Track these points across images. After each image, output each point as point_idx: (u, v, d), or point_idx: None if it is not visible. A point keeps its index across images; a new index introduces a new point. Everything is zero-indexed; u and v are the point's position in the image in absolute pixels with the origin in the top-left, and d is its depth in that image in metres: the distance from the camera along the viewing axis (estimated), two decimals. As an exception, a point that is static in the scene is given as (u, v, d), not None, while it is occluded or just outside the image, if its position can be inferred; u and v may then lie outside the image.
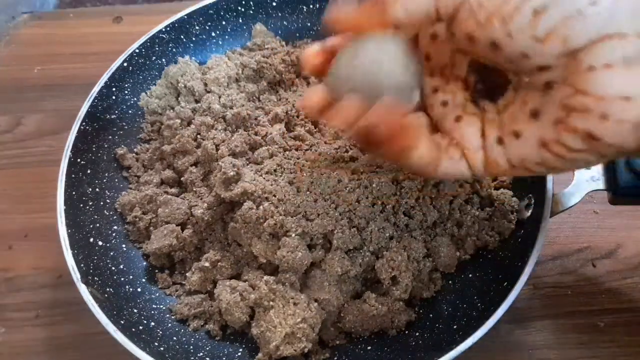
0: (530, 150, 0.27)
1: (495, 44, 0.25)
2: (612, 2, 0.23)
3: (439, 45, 0.32)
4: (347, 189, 0.39)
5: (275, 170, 0.42)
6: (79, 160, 0.45)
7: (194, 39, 0.55)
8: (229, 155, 0.44)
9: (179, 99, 0.51)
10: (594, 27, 0.23)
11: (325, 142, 0.45)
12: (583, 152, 0.25)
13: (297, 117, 0.48)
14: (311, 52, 0.33)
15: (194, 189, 0.45)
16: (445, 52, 0.32)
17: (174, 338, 0.39)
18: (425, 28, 0.32)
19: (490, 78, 0.30)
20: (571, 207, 0.39)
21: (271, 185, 0.40)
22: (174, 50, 0.54)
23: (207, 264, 0.40)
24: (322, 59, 0.32)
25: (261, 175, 0.41)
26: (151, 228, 0.44)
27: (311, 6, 0.56)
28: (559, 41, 0.24)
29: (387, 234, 0.40)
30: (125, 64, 0.50)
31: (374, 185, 0.40)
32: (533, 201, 0.41)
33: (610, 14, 0.23)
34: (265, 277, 0.39)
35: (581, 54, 0.24)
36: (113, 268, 0.42)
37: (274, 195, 0.39)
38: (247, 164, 0.44)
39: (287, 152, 0.44)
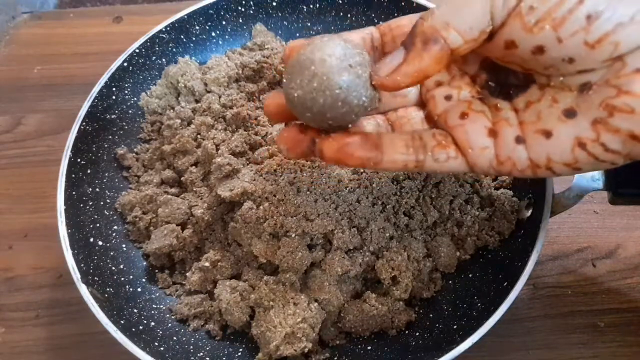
0: (563, 149, 0.27)
1: (541, 48, 0.25)
2: None
3: None
4: (347, 189, 0.39)
5: (275, 171, 0.42)
6: (79, 160, 0.45)
7: (194, 39, 0.55)
8: (228, 154, 0.44)
9: (179, 99, 0.51)
10: None
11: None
12: (618, 154, 0.26)
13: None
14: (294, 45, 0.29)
15: (194, 189, 0.45)
16: None
17: (174, 338, 0.39)
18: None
19: (504, 76, 0.30)
20: (571, 207, 0.39)
21: (271, 185, 0.40)
22: (174, 50, 0.54)
23: (207, 264, 0.40)
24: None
25: (261, 175, 0.41)
26: (151, 228, 0.44)
27: (311, 6, 0.56)
28: (609, 46, 0.24)
29: (388, 234, 0.40)
30: (125, 64, 0.50)
31: (374, 185, 0.40)
32: (533, 201, 0.41)
33: None
34: (265, 277, 0.39)
35: (627, 57, 0.24)
36: (113, 268, 0.42)
37: (274, 195, 0.39)
38: (247, 164, 0.44)
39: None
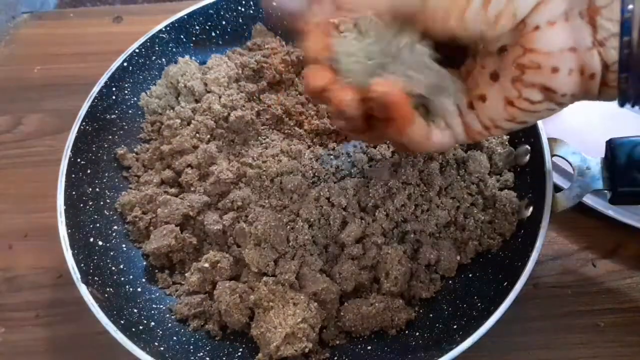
0: (498, 110, 0.29)
1: (453, 36, 0.27)
2: None
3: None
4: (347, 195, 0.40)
5: (273, 176, 0.42)
6: (79, 160, 0.45)
7: (194, 39, 0.54)
8: (227, 159, 0.44)
9: (179, 99, 0.51)
10: None
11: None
12: (544, 102, 0.28)
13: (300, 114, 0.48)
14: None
15: (192, 190, 0.45)
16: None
17: (174, 338, 0.39)
18: None
19: (447, 47, 0.31)
20: (571, 207, 0.39)
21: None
22: (174, 50, 0.54)
23: (206, 265, 0.40)
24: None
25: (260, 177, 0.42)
26: (151, 228, 0.44)
27: (311, 6, 0.56)
28: (508, 19, 0.26)
29: (383, 240, 0.40)
30: (125, 64, 0.50)
31: (374, 185, 0.40)
32: (533, 201, 0.41)
33: None
34: (265, 278, 0.39)
35: (527, 18, 0.26)
36: (113, 268, 0.42)
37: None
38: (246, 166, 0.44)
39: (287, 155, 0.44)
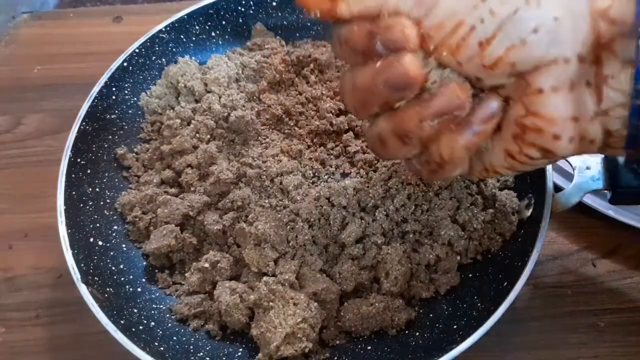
0: (498, 158, 0.29)
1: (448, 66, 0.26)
2: (553, 26, 0.24)
3: None
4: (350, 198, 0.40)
5: (273, 176, 0.42)
6: (79, 160, 0.45)
7: (194, 39, 0.55)
8: (227, 159, 0.44)
9: (179, 99, 0.51)
10: (538, 53, 0.25)
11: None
12: (543, 160, 0.28)
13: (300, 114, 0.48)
14: None
15: (192, 190, 0.45)
16: None
17: (174, 338, 0.39)
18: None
19: None
20: (571, 207, 0.39)
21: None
22: (174, 50, 0.54)
23: (206, 265, 0.40)
24: None
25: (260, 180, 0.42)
26: (151, 228, 0.44)
27: (311, 6, 0.56)
28: (506, 67, 0.25)
29: (383, 240, 0.40)
30: (125, 64, 0.50)
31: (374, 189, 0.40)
32: (533, 201, 0.41)
33: (552, 38, 0.24)
34: (265, 278, 0.39)
35: (529, 77, 0.25)
36: (113, 268, 0.42)
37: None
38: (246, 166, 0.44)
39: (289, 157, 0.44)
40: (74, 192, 0.44)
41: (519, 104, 0.26)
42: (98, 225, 0.44)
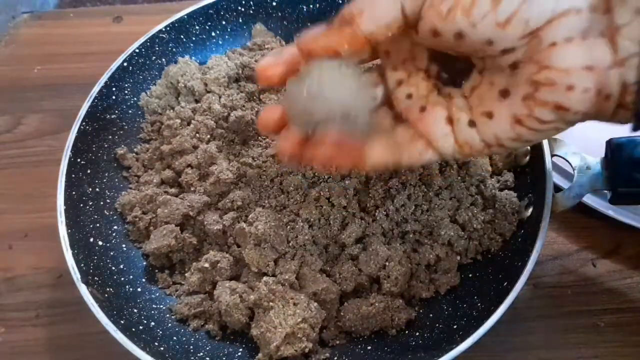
0: (505, 128, 0.29)
1: (460, 34, 0.26)
2: None
3: (397, 41, 0.31)
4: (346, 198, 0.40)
5: (273, 177, 0.42)
6: (79, 160, 0.45)
7: (194, 39, 0.54)
8: (227, 159, 0.44)
9: (179, 99, 0.51)
10: (551, 6, 0.25)
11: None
12: (554, 122, 0.27)
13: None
14: (267, 64, 0.31)
15: (192, 190, 0.45)
16: (404, 46, 0.32)
17: (174, 338, 0.39)
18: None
19: (452, 65, 0.31)
20: (571, 207, 0.39)
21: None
22: (174, 50, 0.54)
23: (206, 265, 0.40)
24: (279, 71, 0.31)
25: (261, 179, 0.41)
26: (151, 228, 0.44)
27: (311, 6, 0.56)
28: (519, 24, 0.25)
29: (384, 239, 0.40)
30: (125, 64, 0.50)
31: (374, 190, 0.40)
32: (533, 201, 0.41)
33: None
34: (265, 278, 0.39)
35: (542, 32, 0.25)
36: (113, 268, 0.42)
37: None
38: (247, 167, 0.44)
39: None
40: (74, 192, 0.44)
41: (530, 63, 0.26)
42: (98, 225, 0.44)
